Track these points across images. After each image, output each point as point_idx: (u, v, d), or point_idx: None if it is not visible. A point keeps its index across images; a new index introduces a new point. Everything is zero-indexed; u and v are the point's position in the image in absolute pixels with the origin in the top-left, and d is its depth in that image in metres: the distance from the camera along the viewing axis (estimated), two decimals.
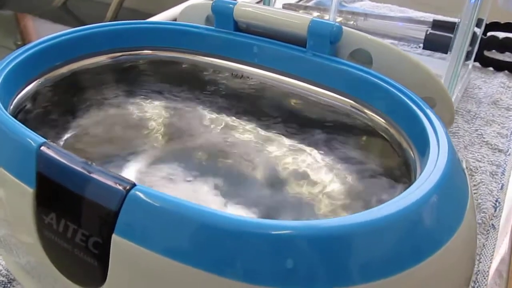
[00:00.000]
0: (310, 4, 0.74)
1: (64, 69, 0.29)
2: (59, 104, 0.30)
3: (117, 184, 0.17)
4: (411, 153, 0.23)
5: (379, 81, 0.26)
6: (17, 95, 0.26)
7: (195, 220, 0.17)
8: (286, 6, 0.70)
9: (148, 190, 0.17)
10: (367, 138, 0.28)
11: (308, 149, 0.31)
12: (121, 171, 0.29)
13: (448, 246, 0.19)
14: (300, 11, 0.69)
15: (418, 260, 0.18)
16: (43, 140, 0.20)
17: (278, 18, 0.29)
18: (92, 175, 0.18)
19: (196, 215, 0.17)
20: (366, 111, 0.27)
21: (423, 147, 0.22)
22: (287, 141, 0.32)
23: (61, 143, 0.29)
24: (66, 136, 0.30)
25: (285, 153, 0.31)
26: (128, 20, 0.32)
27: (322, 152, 0.30)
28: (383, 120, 0.26)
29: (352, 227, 0.17)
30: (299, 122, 0.31)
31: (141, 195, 0.17)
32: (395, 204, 0.18)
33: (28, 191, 0.20)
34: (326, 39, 0.28)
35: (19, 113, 0.26)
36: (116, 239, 0.17)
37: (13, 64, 0.25)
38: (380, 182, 0.26)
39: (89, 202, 0.18)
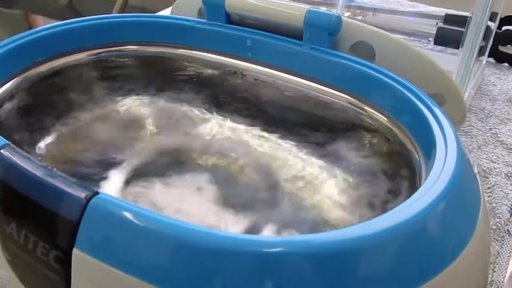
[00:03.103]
0: None
1: (44, 67, 0.28)
2: (38, 103, 0.28)
3: (78, 192, 0.16)
4: (416, 155, 0.21)
5: (381, 76, 0.24)
6: None
7: (167, 237, 0.15)
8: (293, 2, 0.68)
9: (113, 199, 0.15)
10: (368, 138, 0.26)
11: (304, 149, 0.29)
12: (104, 175, 0.27)
13: (458, 261, 0.17)
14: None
15: (425, 278, 0.16)
16: (5, 142, 0.18)
17: (272, 8, 0.27)
18: (51, 181, 0.16)
19: (169, 230, 0.15)
20: (367, 108, 0.25)
21: (429, 149, 0.20)
22: (282, 141, 0.30)
23: (40, 145, 0.27)
24: (45, 138, 0.28)
25: (280, 153, 0.29)
26: None
27: (319, 153, 0.28)
28: (385, 119, 0.24)
29: (348, 243, 0.15)
30: (295, 121, 0.30)
31: (104, 204, 0.15)
32: (398, 215, 0.16)
33: None
34: (324, 31, 0.26)
35: None
36: (77, 253, 0.16)
37: None
38: (381, 188, 0.24)
39: (48, 211, 0.16)
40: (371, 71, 0.24)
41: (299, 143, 0.29)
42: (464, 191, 0.18)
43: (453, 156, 0.18)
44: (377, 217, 0.16)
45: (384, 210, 0.16)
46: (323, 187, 0.26)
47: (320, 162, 0.28)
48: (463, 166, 0.18)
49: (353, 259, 0.15)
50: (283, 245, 0.15)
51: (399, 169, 0.23)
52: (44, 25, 0.27)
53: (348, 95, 0.26)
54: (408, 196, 0.17)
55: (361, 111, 0.25)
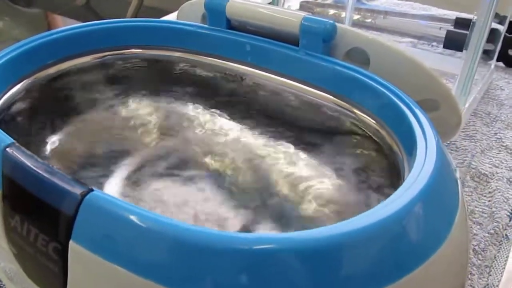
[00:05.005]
0: (328, 1, 0.73)
1: (53, 69, 0.29)
2: (46, 104, 0.29)
3: (74, 189, 0.17)
4: (401, 156, 0.22)
5: (370, 82, 0.24)
6: (2, 96, 0.26)
7: (157, 233, 0.16)
8: (304, 4, 0.69)
9: (106, 196, 0.17)
10: (356, 139, 0.26)
11: (297, 150, 0.30)
12: (107, 173, 0.29)
13: (433, 259, 0.17)
14: (317, 9, 0.68)
15: (400, 274, 0.16)
16: (10, 141, 0.19)
17: (270, 15, 0.28)
18: (51, 178, 0.17)
19: (159, 227, 0.16)
20: (356, 111, 0.26)
21: (411, 151, 0.21)
22: (276, 142, 0.31)
23: (46, 144, 0.29)
24: (51, 137, 0.29)
25: (273, 154, 0.30)
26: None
27: (311, 153, 0.29)
28: (373, 121, 0.25)
29: (328, 239, 0.16)
30: (289, 122, 0.30)
31: (98, 200, 0.16)
32: (375, 214, 0.17)
33: None
34: (318, 37, 0.26)
35: (4, 113, 0.26)
36: (73, 245, 0.17)
37: None
38: (368, 188, 0.25)
39: (47, 205, 0.17)
40: (361, 77, 0.25)
41: (293, 143, 0.30)
42: (440, 193, 0.18)
43: (432, 160, 0.19)
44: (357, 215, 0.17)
45: (368, 208, 0.17)
46: (314, 186, 0.27)
47: (312, 162, 0.28)
48: (442, 169, 0.19)
49: (332, 255, 0.16)
50: (268, 242, 0.15)
51: (385, 169, 0.23)
52: (62, 24, 0.28)
53: (339, 99, 0.27)
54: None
55: (351, 114, 0.26)
